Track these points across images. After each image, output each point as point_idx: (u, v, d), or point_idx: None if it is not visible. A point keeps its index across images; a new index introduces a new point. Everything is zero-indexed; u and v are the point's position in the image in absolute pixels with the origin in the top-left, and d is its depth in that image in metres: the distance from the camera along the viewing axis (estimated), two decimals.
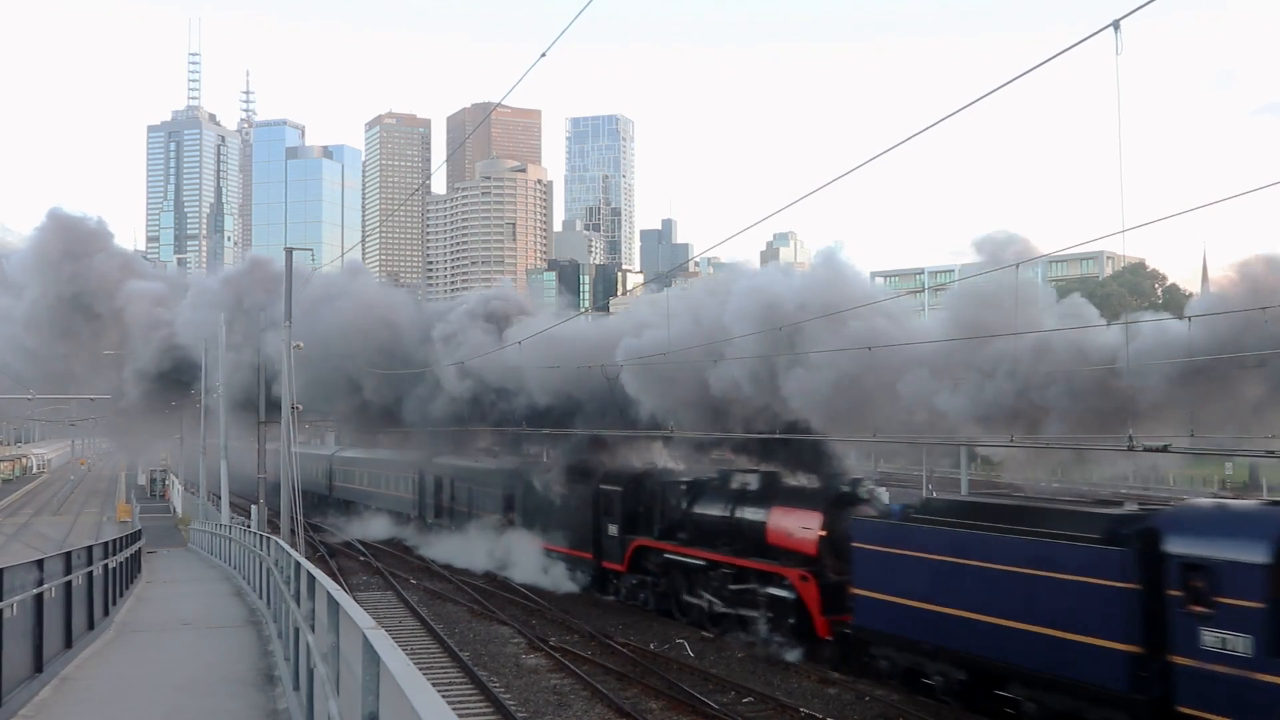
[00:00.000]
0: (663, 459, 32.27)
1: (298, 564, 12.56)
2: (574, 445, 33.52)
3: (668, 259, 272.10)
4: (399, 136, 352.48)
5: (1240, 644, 13.13)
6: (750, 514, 24.08)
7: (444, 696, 5.33)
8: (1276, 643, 12.84)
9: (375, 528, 46.97)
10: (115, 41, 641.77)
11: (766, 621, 22.59)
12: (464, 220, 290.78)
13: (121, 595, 21.69)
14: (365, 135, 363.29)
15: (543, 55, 14.20)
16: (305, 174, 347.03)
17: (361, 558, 39.98)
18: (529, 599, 30.03)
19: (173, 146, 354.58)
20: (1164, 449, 14.65)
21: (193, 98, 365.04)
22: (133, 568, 25.59)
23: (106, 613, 18.65)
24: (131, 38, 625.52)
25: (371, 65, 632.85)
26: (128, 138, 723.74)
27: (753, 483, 24.67)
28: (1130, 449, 14.56)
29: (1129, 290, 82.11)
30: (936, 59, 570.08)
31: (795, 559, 22.23)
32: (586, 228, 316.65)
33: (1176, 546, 14.03)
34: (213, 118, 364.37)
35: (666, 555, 26.57)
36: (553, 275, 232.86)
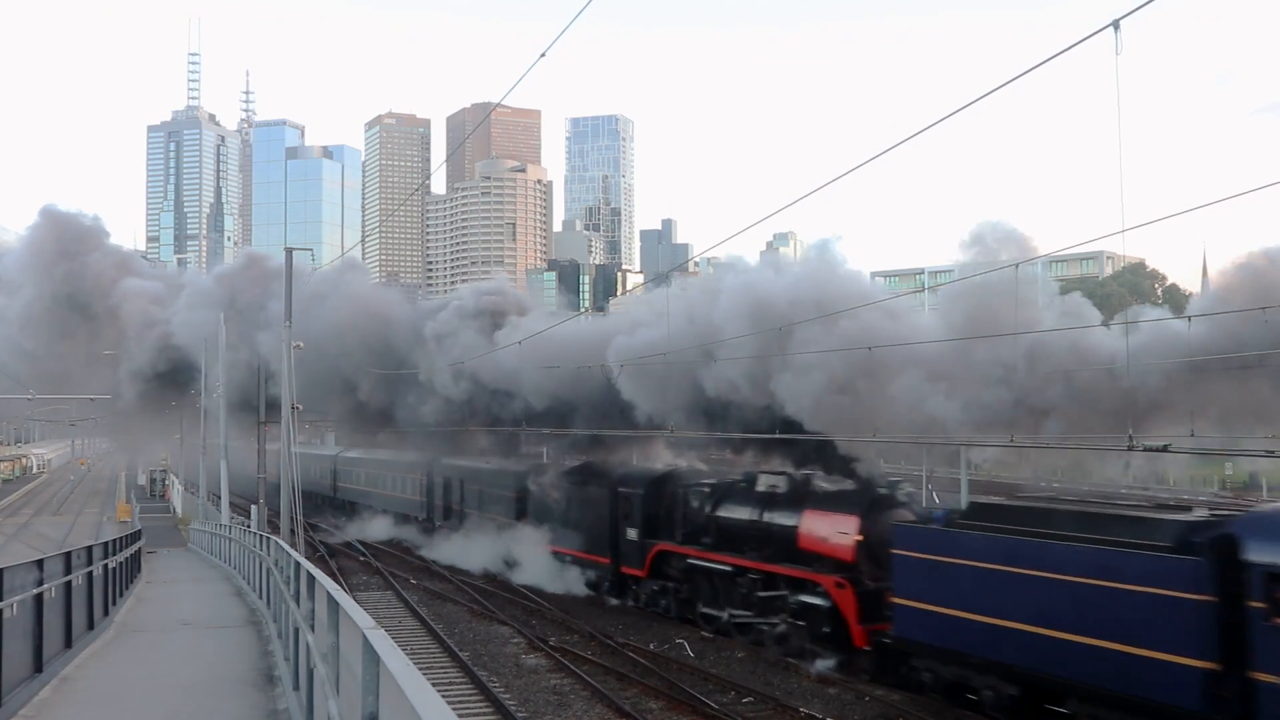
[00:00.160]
0: (672, 460, 31.85)
1: (297, 564, 12.56)
2: (585, 446, 33.28)
3: (668, 259, 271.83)
4: (399, 136, 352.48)
5: None
6: (780, 518, 23.11)
7: (444, 696, 5.33)
8: None
9: (382, 529, 46.60)
10: (115, 41, 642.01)
11: (798, 630, 21.71)
12: (464, 220, 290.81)
13: (121, 595, 21.69)
14: (365, 135, 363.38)
15: (542, 55, 14.23)
16: (305, 174, 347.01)
17: (361, 558, 39.98)
18: (529, 599, 30.01)
19: (173, 146, 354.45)
20: (1164, 449, 14.58)
21: (193, 98, 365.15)
22: (133, 568, 25.58)
23: (106, 613, 18.64)
24: (131, 38, 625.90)
25: (371, 65, 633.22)
26: (128, 138, 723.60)
27: (781, 485, 23.76)
28: (1130, 449, 14.45)
29: (1129, 290, 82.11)
30: (936, 59, 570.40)
31: (830, 565, 21.26)
32: (586, 228, 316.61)
33: (1260, 555, 13.12)
34: (213, 118, 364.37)
35: (690, 560, 25.57)
36: (553, 275, 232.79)
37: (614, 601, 28.86)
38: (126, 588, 23.13)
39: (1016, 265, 17.71)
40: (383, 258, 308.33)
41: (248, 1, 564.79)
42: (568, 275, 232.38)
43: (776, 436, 23.58)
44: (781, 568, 22.35)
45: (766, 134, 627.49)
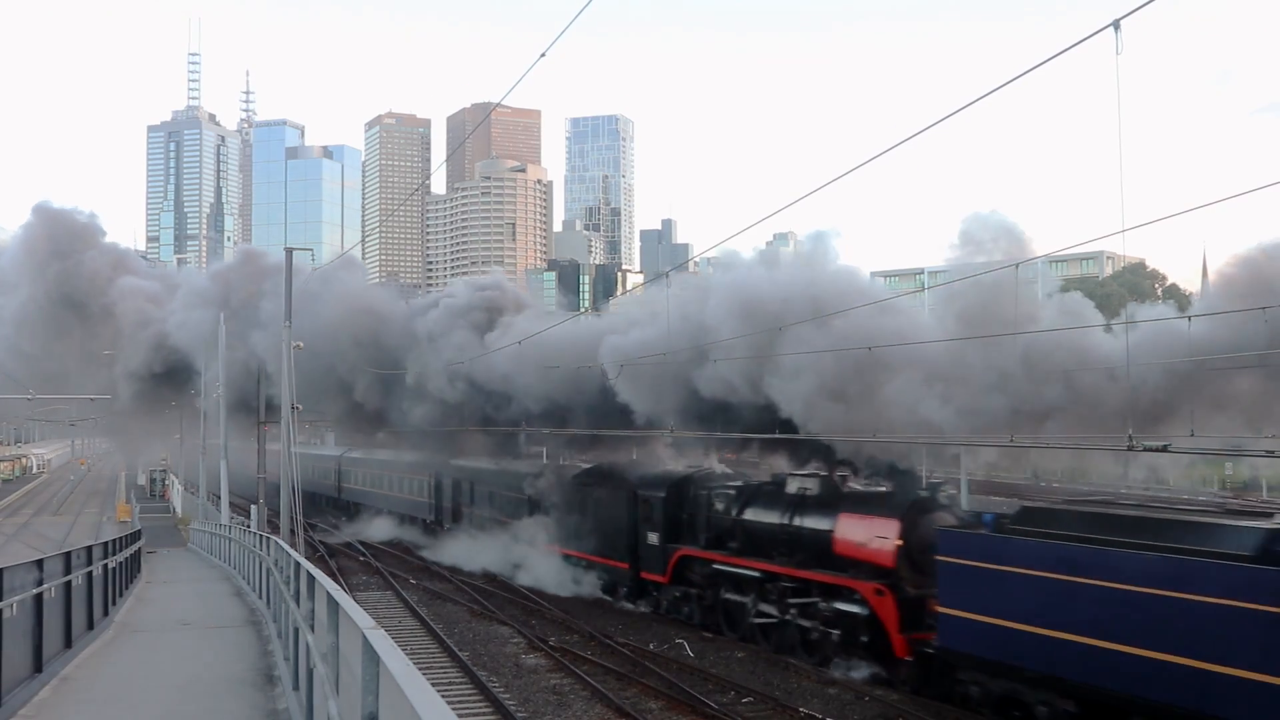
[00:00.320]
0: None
1: (297, 564, 12.56)
2: (599, 448, 32.87)
3: (668, 259, 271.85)
4: (399, 136, 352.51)
5: None
6: (812, 522, 22.12)
7: (444, 696, 5.32)
8: None
9: (389, 531, 46.17)
10: (115, 41, 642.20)
11: (833, 639, 20.78)
12: (464, 220, 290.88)
13: (121, 595, 21.69)
14: (365, 135, 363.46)
15: (542, 55, 14.23)
16: (305, 174, 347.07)
17: (361, 558, 39.96)
18: (529, 599, 30.00)
19: (173, 146, 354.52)
20: (1164, 449, 14.48)
21: (193, 98, 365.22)
22: (132, 568, 25.58)
23: (106, 613, 18.64)
24: (131, 38, 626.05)
25: (371, 65, 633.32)
26: (128, 138, 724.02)
27: (813, 487, 22.78)
28: (1130, 449, 14.32)
29: (1129, 290, 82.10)
30: (937, 58, 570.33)
31: (867, 571, 20.28)
32: (586, 228, 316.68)
33: None
34: (213, 118, 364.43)
35: (715, 566, 24.63)
36: (552, 275, 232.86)
37: (632, 607, 28.05)
38: (126, 588, 23.13)
39: (1017, 265, 17.61)
40: (383, 258, 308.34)
41: (248, 1, 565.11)
42: (568, 275, 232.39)
43: (777, 436, 23.44)
44: (815, 573, 21.40)
45: (767, 134, 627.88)
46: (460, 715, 15.63)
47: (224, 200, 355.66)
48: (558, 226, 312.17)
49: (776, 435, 23.30)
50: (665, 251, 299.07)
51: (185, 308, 47.64)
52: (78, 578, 15.61)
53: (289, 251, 30.86)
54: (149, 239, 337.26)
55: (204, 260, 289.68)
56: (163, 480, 72.33)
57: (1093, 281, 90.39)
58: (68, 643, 14.85)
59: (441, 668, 21.23)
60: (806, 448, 24.18)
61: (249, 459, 46.02)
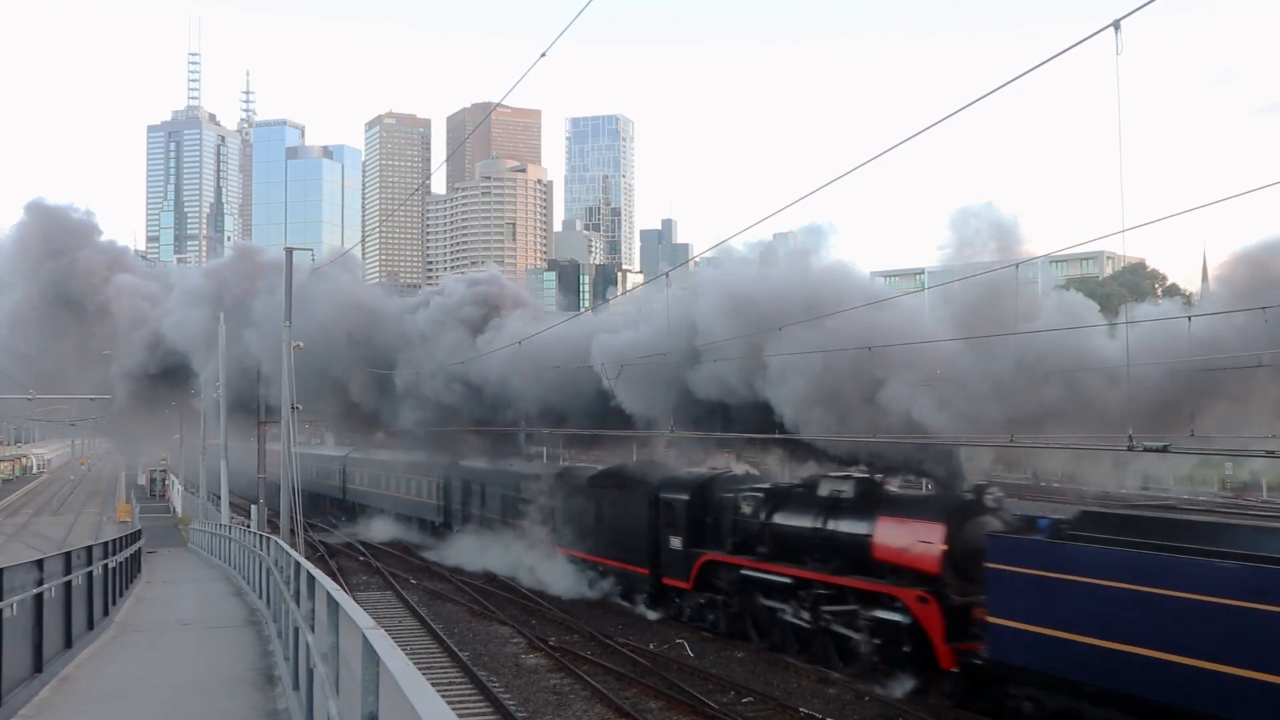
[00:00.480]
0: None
1: (297, 564, 12.57)
2: (618, 449, 32.26)
3: (668, 259, 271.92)
4: (399, 136, 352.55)
5: None
6: (848, 526, 21.01)
7: (444, 696, 5.33)
8: None
9: (396, 533, 45.64)
10: (115, 41, 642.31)
11: (873, 648, 19.73)
12: (464, 220, 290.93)
13: (121, 595, 21.70)
14: (365, 135, 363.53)
15: (543, 55, 14.21)
16: (305, 174, 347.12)
17: (361, 558, 39.95)
18: (529, 599, 29.99)
19: (173, 146, 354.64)
20: (1164, 449, 14.39)
21: (193, 98, 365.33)
22: (132, 568, 25.59)
23: (106, 613, 18.65)
24: (131, 38, 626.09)
25: (371, 65, 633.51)
26: (128, 138, 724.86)
27: (847, 490, 21.69)
28: (1130, 449, 14.23)
29: (1129, 290, 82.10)
30: (937, 58, 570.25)
31: (909, 577, 19.21)
32: (586, 228, 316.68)
33: None
34: (213, 118, 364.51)
35: (743, 572, 23.51)
36: (553, 275, 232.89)
37: (652, 614, 26.90)
38: (126, 588, 23.14)
39: (1016, 265, 17.55)
40: (383, 258, 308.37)
41: (248, 1, 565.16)
42: (568, 275, 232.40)
43: (778, 437, 23.36)
44: (853, 580, 20.33)
45: (766, 134, 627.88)
46: (460, 715, 15.63)
47: (224, 200, 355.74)
48: (558, 226, 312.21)
49: (777, 435, 23.19)
50: (665, 251, 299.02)
51: (180, 306, 47.27)
52: (78, 578, 15.62)
53: (289, 251, 30.82)
54: (149, 239, 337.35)
55: (204, 260, 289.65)
56: (163, 480, 72.34)
57: (1093, 281, 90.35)
58: (68, 643, 14.85)
59: (441, 668, 21.23)
60: (807, 448, 24.04)
61: (249, 459, 45.97)
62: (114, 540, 21.43)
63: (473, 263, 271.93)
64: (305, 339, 28.55)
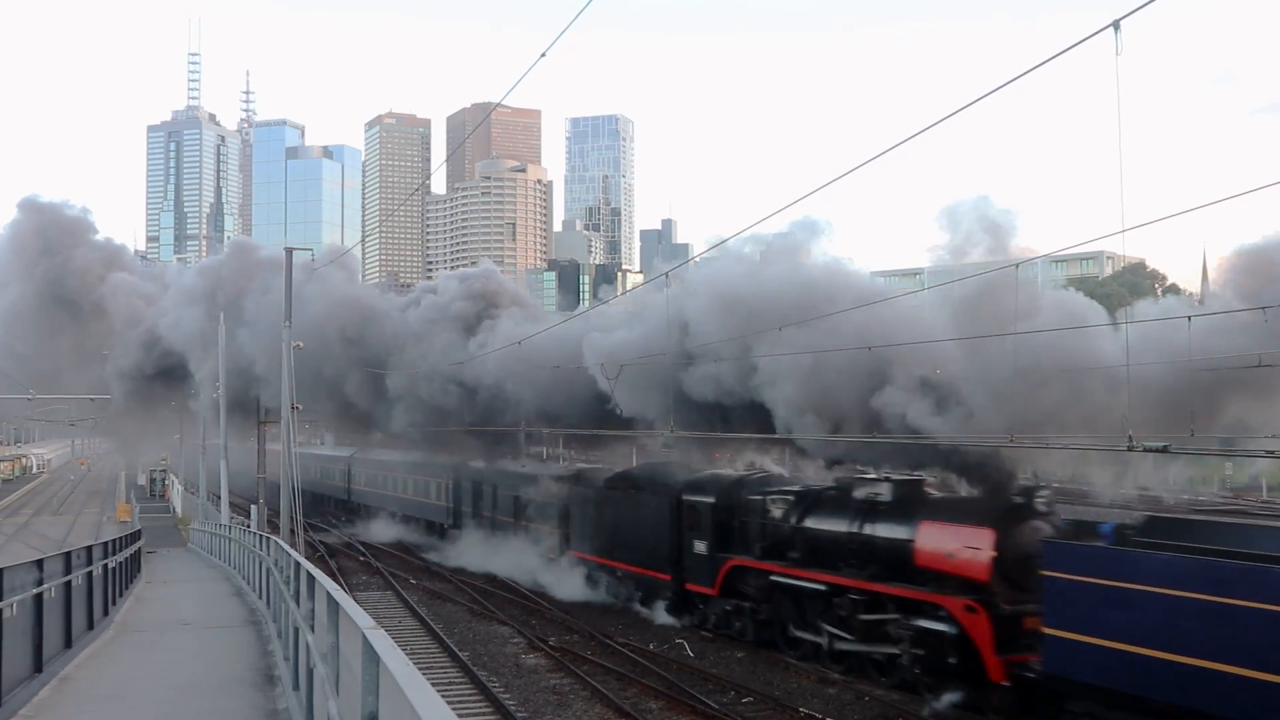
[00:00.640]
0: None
1: (297, 564, 12.57)
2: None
3: (665, 259, 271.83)
4: (399, 136, 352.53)
5: None
6: (887, 530, 20.05)
7: (444, 696, 5.32)
8: None
9: (403, 535, 45.10)
10: (115, 41, 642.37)
11: (914, 659, 18.81)
12: (464, 220, 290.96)
13: (121, 595, 21.69)
14: (365, 135, 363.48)
15: (543, 55, 14.20)
16: (305, 174, 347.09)
17: (361, 558, 39.95)
18: (529, 599, 29.98)
19: (173, 146, 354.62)
20: (1164, 449, 14.34)
21: (193, 98, 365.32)
22: (132, 568, 25.58)
23: (106, 613, 18.64)
24: (131, 38, 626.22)
25: (371, 65, 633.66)
26: (128, 138, 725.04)
27: (885, 492, 20.67)
28: (1130, 449, 14.16)
29: (1129, 290, 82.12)
30: (937, 58, 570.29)
31: (955, 585, 18.26)
32: (586, 228, 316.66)
33: None
34: (213, 118, 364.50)
35: (773, 578, 22.50)
36: (553, 275, 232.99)
37: (675, 622, 25.92)
38: (126, 588, 23.13)
39: (1017, 265, 17.48)
40: (383, 258, 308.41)
41: (248, 1, 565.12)
42: (567, 275, 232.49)
43: (778, 436, 23.30)
44: (894, 588, 19.30)
45: (767, 133, 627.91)
46: (460, 715, 15.62)
47: (224, 200, 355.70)
48: (558, 226, 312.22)
49: (778, 435, 23.12)
50: (665, 251, 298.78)
51: (175, 305, 46.90)
52: (78, 578, 15.62)
53: (289, 251, 30.80)
54: (149, 239, 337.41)
55: (204, 260, 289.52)
56: (163, 480, 72.32)
57: (1093, 281, 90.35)
58: (68, 643, 14.85)
59: (441, 668, 21.23)
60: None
61: (249, 459, 45.93)
62: (114, 540, 21.42)
63: (472, 263, 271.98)
64: (299, 338, 28.46)
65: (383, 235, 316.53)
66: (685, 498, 25.95)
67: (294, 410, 27.54)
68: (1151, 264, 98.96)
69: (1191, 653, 13.65)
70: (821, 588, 21.03)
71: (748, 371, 23.07)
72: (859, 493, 21.34)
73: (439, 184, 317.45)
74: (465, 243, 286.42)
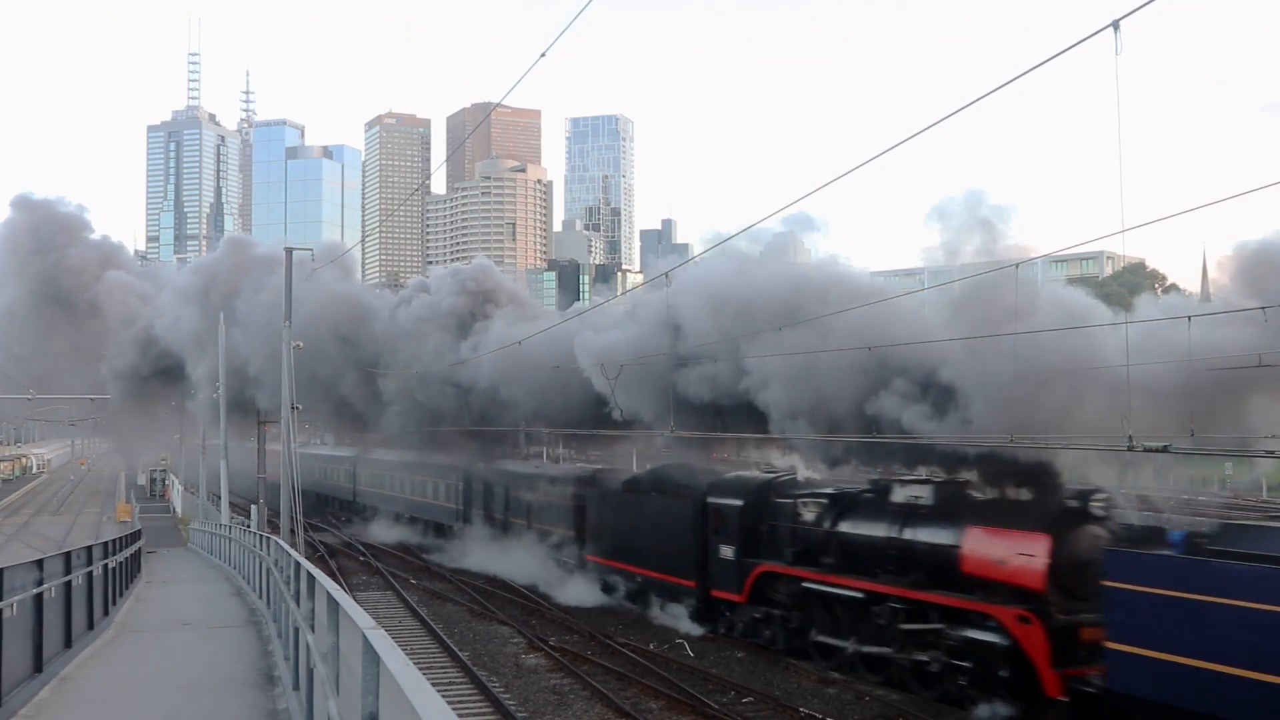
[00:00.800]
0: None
1: (297, 564, 12.57)
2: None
3: (664, 259, 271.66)
4: (399, 136, 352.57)
5: None
6: (929, 535, 19.13)
7: (444, 696, 5.33)
8: None
9: (411, 538, 44.50)
10: (115, 41, 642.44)
11: (961, 671, 17.91)
12: (464, 220, 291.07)
13: (121, 595, 21.68)
14: (365, 135, 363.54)
15: (543, 55, 14.19)
16: (305, 174, 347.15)
17: (361, 558, 39.95)
18: (529, 599, 29.97)
19: (173, 146, 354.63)
20: (1164, 449, 14.27)
21: (193, 98, 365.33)
22: (132, 568, 25.58)
23: (106, 613, 18.64)
24: (131, 38, 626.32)
25: (371, 65, 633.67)
26: (128, 138, 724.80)
27: (926, 495, 19.77)
28: (1130, 449, 14.10)
29: (1129, 290, 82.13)
30: (936, 58, 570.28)
31: (1005, 593, 17.37)
32: (586, 228, 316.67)
33: None
34: (213, 118, 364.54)
35: (805, 585, 21.57)
36: (553, 275, 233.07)
37: (699, 630, 24.91)
38: (126, 588, 23.13)
39: (1017, 265, 17.44)
40: (383, 258, 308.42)
41: (248, 1, 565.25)
42: (567, 275, 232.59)
43: (778, 436, 23.26)
44: (939, 596, 18.47)
45: (767, 133, 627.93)
46: (460, 715, 15.62)
47: (224, 200, 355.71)
48: (558, 226, 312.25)
49: (777, 435, 23.08)
50: (665, 251, 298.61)
51: (171, 305, 46.51)
52: (78, 578, 15.62)
53: (289, 251, 30.74)
54: (149, 239, 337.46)
55: None
56: (163, 480, 72.31)
57: (1093, 281, 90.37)
58: (68, 643, 14.85)
59: (441, 668, 21.23)
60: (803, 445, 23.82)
61: (249, 459, 45.86)
62: (114, 540, 21.41)
63: (468, 261, 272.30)
64: (294, 337, 28.38)
65: (382, 235, 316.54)
66: (710, 500, 24.95)
67: (294, 410, 27.53)
68: (1151, 264, 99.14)
69: (1276, 670, 12.86)
70: (859, 595, 20.17)
71: (739, 373, 22.97)
72: (898, 495, 20.39)
73: (439, 184, 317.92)
74: (465, 243, 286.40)
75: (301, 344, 28.24)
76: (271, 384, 35.40)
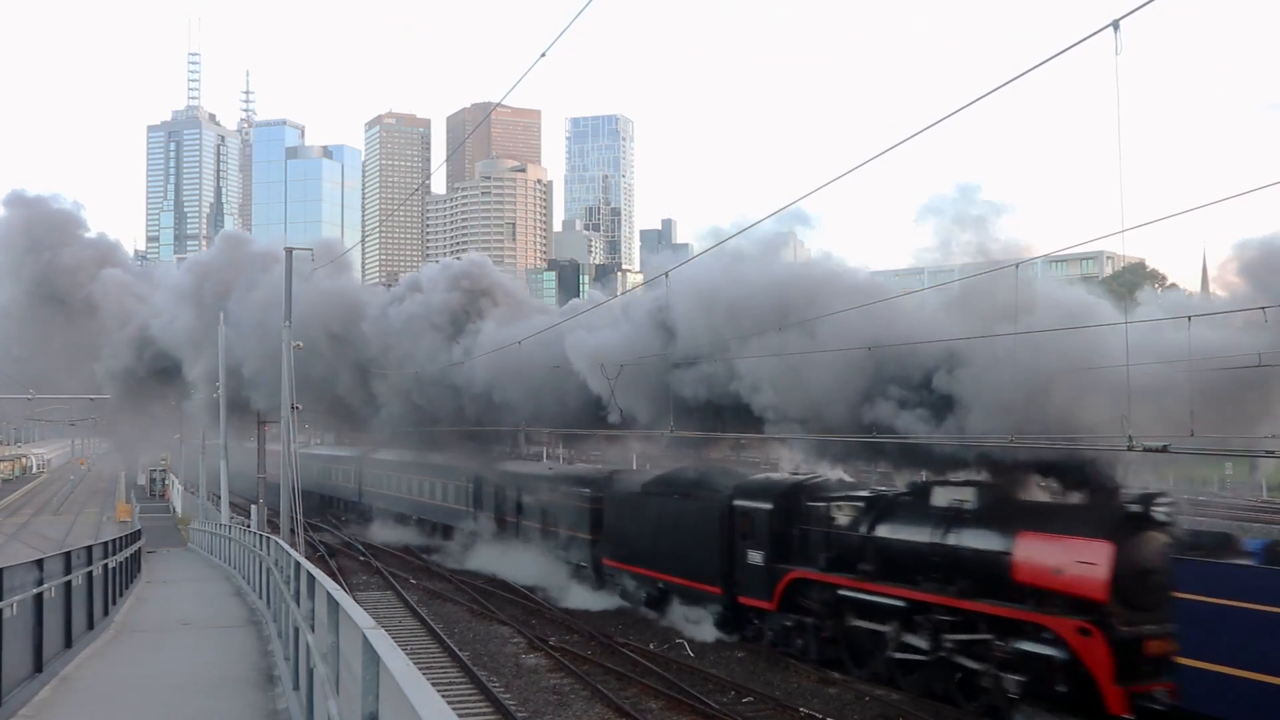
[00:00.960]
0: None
1: (297, 564, 12.57)
2: (683, 451, 30.08)
3: (666, 259, 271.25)
4: (399, 136, 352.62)
5: None
6: (976, 540, 18.09)
7: (444, 696, 5.33)
8: None
9: (419, 539, 43.87)
10: (115, 41, 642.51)
11: (1014, 685, 16.84)
12: (464, 220, 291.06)
13: (121, 595, 21.69)
14: (365, 135, 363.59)
15: (543, 55, 14.17)
16: (305, 174, 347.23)
17: (361, 558, 39.94)
18: (529, 599, 29.97)
19: (173, 146, 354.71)
20: (1163, 449, 14.22)
21: (193, 98, 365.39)
22: (132, 567, 25.59)
23: (106, 612, 18.65)
24: (131, 38, 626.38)
25: (371, 65, 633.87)
26: (128, 138, 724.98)
27: (970, 499, 18.74)
28: (1130, 449, 14.06)
29: (1129, 290, 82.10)
30: (936, 58, 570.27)
31: (1062, 603, 16.42)
32: (586, 227, 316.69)
33: None
34: (213, 118, 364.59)
35: (840, 592, 20.60)
36: (553, 275, 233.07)
37: (724, 638, 23.93)
38: (126, 587, 23.14)
39: (1017, 265, 17.43)
40: (383, 258, 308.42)
41: (248, 1, 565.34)
42: (567, 275, 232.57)
43: (778, 436, 23.22)
44: (989, 605, 17.44)
45: (767, 133, 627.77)
46: (460, 715, 15.62)
47: (224, 200, 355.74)
48: (558, 226, 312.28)
49: (778, 435, 23.04)
50: (664, 251, 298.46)
51: (166, 304, 46.21)
52: (78, 578, 15.62)
53: (289, 251, 30.72)
54: (149, 239, 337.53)
55: None
56: (163, 480, 72.29)
57: (1093, 281, 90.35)
58: (68, 643, 14.85)
59: (441, 668, 21.23)
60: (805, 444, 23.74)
61: (249, 459, 45.83)
62: (114, 540, 21.42)
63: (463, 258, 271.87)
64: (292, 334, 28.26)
65: (382, 235, 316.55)
66: (737, 503, 23.91)
67: (294, 410, 27.53)
68: (1151, 264, 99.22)
69: None
70: (900, 604, 19.15)
71: (730, 375, 22.89)
72: (939, 499, 19.33)
73: (439, 184, 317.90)
74: (465, 243, 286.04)
75: (301, 344, 28.22)
76: (267, 384, 35.35)
